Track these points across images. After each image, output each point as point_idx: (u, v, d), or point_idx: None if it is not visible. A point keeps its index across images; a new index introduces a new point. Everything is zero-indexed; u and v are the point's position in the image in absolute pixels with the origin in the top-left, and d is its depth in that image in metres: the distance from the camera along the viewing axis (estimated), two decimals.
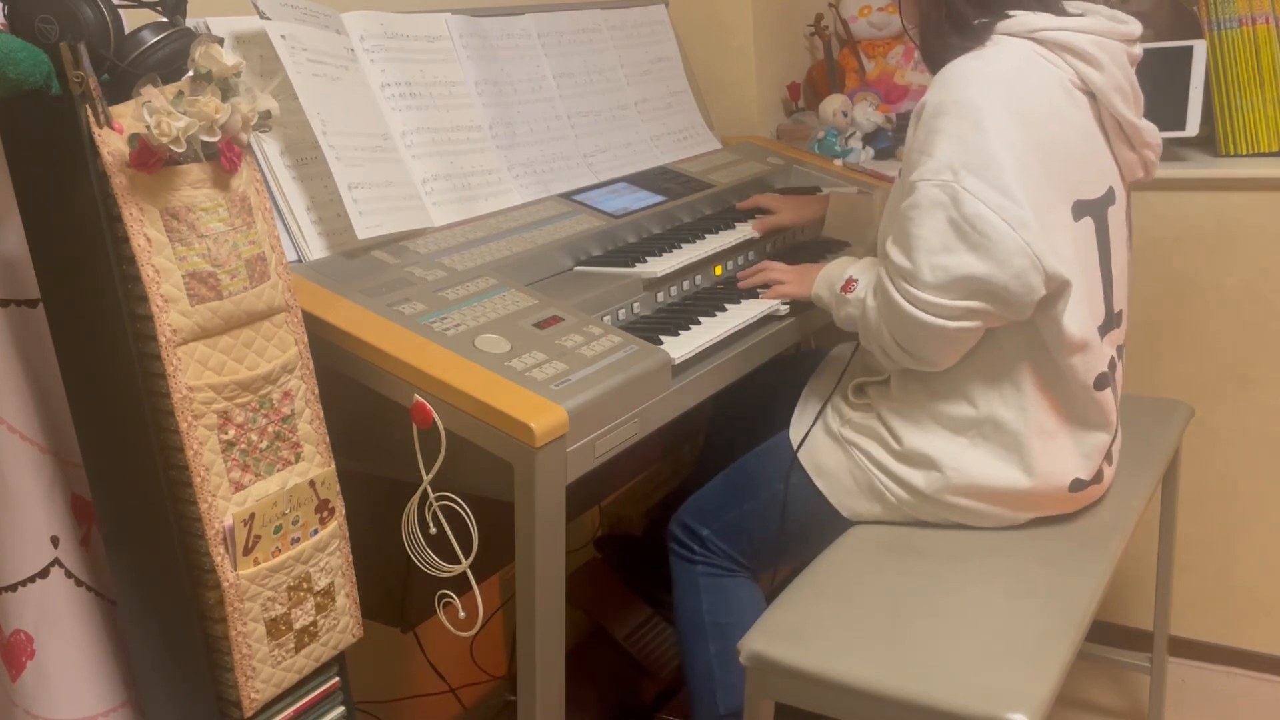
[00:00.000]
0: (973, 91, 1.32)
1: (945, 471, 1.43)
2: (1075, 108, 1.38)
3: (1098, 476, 1.48)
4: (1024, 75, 1.35)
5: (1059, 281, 1.33)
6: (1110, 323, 1.43)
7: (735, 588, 1.59)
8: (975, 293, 1.31)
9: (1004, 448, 1.41)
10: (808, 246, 1.88)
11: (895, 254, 1.35)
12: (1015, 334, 1.38)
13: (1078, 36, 1.37)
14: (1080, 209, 1.37)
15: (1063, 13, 1.40)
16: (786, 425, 1.60)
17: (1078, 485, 1.45)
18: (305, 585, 1.15)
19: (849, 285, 1.47)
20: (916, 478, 1.45)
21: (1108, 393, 1.44)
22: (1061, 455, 1.43)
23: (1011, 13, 1.38)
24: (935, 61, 1.43)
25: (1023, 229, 1.28)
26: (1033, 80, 1.35)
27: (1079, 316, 1.37)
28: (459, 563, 1.20)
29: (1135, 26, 1.44)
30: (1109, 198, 1.42)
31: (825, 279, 1.53)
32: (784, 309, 1.58)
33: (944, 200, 1.30)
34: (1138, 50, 1.45)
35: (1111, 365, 1.45)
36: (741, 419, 1.76)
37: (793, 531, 1.55)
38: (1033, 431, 1.40)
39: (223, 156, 1.06)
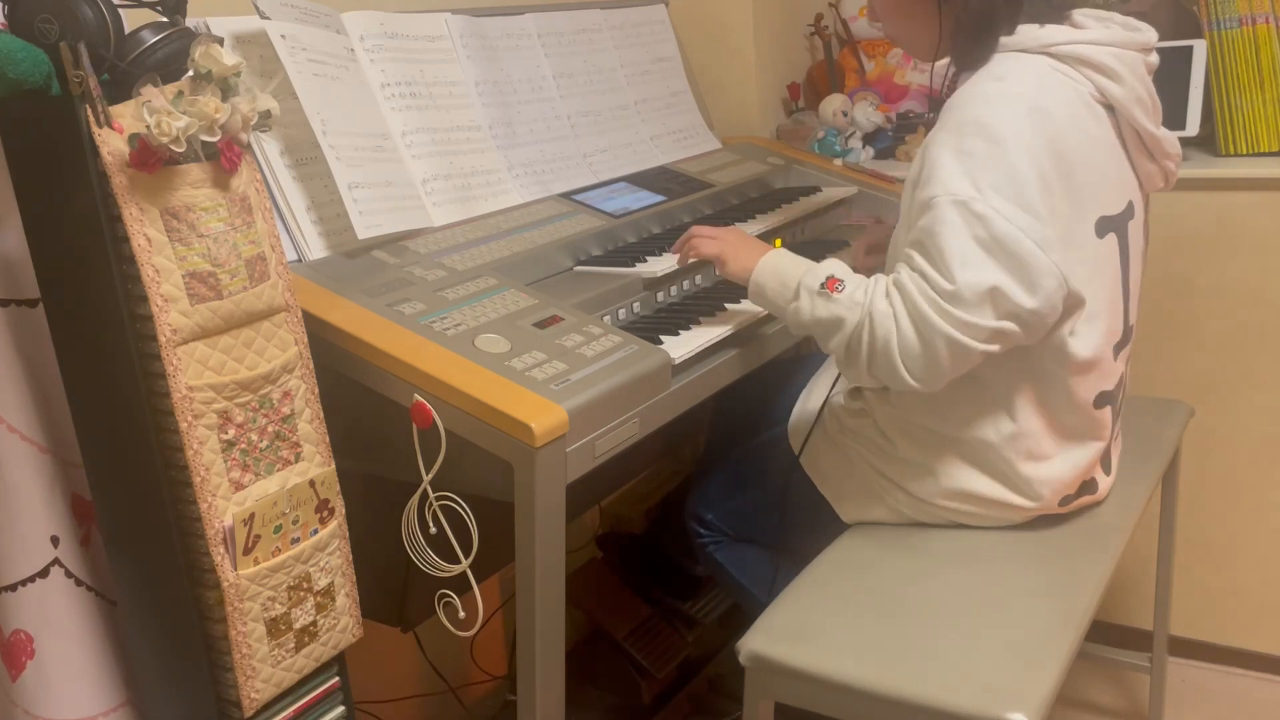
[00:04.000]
0: (993, 111, 1.28)
1: (938, 478, 1.44)
2: (1096, 122, 1.36)
3: (1089, 487, 1.48)
4: (1042, 92, 1.31)
5: (1076, 300, 1.31)
6: (1125, 338, 1.42)
7: (743, 549, 1.69)
8: (1006, 314, 1.25)
9: (991, 468, 1.42)
10: (806, 247, 1.88)
11: (932, 273, 1.26)
12: (1006, 362, 1.34)
13: (1095, 49, 1.34)
14: (1104, 225, 1.35)
15: (1077, 25, 1.38)
16: (786, 424, 1.61)
17: (1066, 501, 1.46)
18: (305, 585, 1.15)
19: (833, 284, 1.34)
20: (911, 482, 1.46)
21: (1106, 410, 1.43)
22: (1051, 478, 1.42)
23: (1023, 26, 1.35)
24: (970, 60, 1.38)
25: (1050, 249, 1.25)
26: (1052, 96, 1.31)
27: (1092, 336, 1.35)
28: (459, 563, 1.20)
29: (1151, 35, 1.41)
30: (1129, 212, 1.40)
31: (775, 270, 1.40)
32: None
33: (970, 218, 1.24)
34: (1154, 59, 1.42)
35: (1120, 383, 1.43)
36: (742, 419, 1.76)
37: (793, 524, 1.58)
38: (1020, 457, 1.40)
39: (223, 156, 1.06)
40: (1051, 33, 1.35)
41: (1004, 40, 1.36)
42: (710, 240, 1.49)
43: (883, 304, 1.29)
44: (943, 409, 1.42)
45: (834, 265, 1.37)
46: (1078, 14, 1.41)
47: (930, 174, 1.29)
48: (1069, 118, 1.32)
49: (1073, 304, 1.32)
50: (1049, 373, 1.37)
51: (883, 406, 1.48)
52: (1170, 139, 1.45)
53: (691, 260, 1.52)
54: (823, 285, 1.34)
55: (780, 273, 1.40)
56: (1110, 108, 1.38)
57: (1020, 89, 1.31)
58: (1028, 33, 1.35)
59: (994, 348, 1.28)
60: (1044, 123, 1.28)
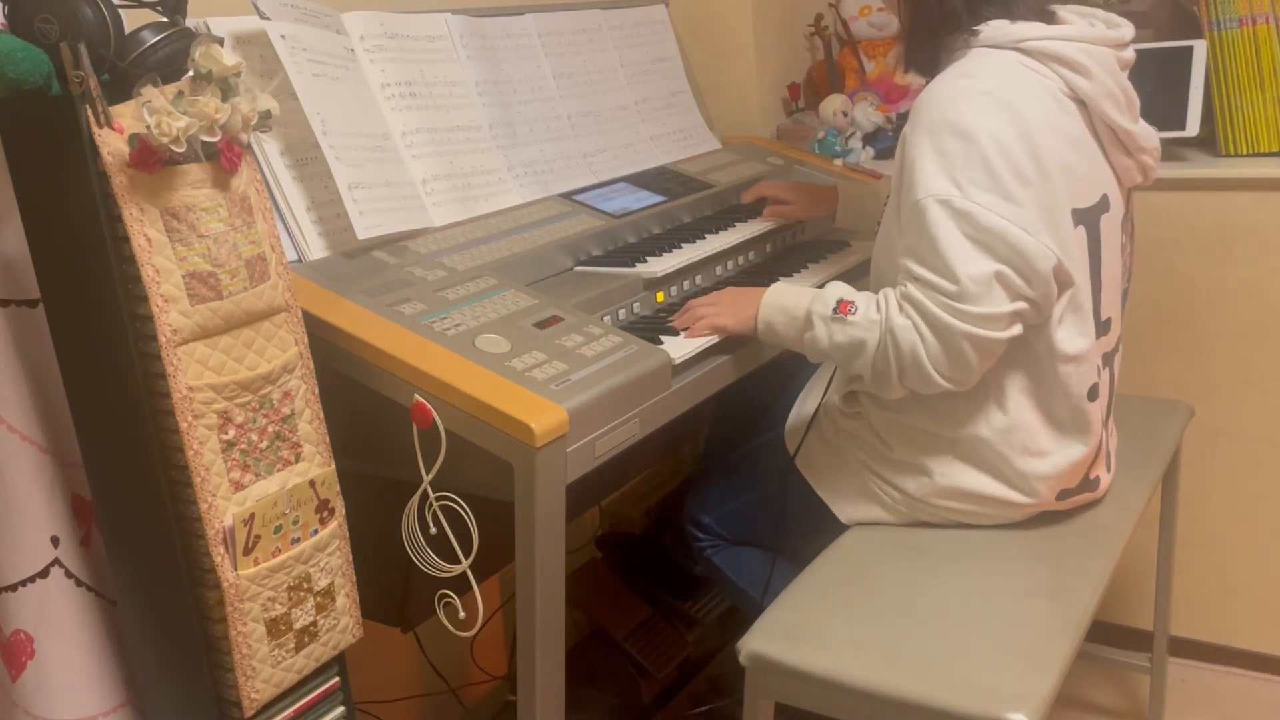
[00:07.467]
0: (964, 109, 1.31)
1: (934, 477, 1.44)
2: (1066, 116, 1.37)
3: (1087, 484, 1.48)
4: (1011, 87, 1.33)
5: (1066, 277, 1.33)
6: (1097, 330, 1.43)
7: (741, 553, 1.68)
8: (1016, 296, 1.30)
9: (988, 465, 1.42)
10: (806, 247, 1.88)
11: (933, 277, 1.29)
12: (1003, 354, 1.36)
13: (1064, 45, 1.35)
14: (1075, 217, 1.36)
15: (1052, 20, 1.39)
16: (784, 427, 1.61)
17: (1064, 495, 1.46)
18: (305, 585, 1.15)
19: (845, 307, 1.36)
20: (907, 482, 1.46)
21: (1098, 404, 1.44)
22: (1048, 473, 1.42)
23: (994, 22, 1.37)
24: (918, 63, 1.43)
25: (1038, 233, 1.29)
26: (1020, 91, 1.33)
27: (1069, 325, 1.37)
28: (459, 563, 1.20)
29: (1127, 31, 1.42)
30: (1102, 205, 1.41)
31: (779, 306, 1.42)
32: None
33: (956, 216, 1.28)
34: (1129, 54, 1.43)
35: (1101, 375, 1.44)
36: (742, 419, 1.76)
37: (791, 526, 1.58)
38: (1016, 451, 1.40)
39: (223, 156, 1.06)
40: (1022, 29, 1.36)
41: (975, 36, 1.38)
42: (709, 305, 1.46)
43: (900, 319, 1.32)
44: (937, 409, 1.42)
45: (840, 289, 1.39)
46: (1062, 10, 1.42)
47: (911, 177, 1.32)
48: (1038, 113, 1.33)
49: (1064, 280, 1.34)
50: (1040, 359, 1.38)
51: (877, 409, 1.48)
52: (1146, 134, 1.45)
53: (704, 331, 1.44)
54: (835, 310, 1.36)
55: (786, 307, 1.42)
56: (1081, 103, 1.39)
57: (989, 85, 1.33)
58: (998, 28, 1.37)
59: (1016, 330, 1.32)
60: (1014, 118, 1.31)
